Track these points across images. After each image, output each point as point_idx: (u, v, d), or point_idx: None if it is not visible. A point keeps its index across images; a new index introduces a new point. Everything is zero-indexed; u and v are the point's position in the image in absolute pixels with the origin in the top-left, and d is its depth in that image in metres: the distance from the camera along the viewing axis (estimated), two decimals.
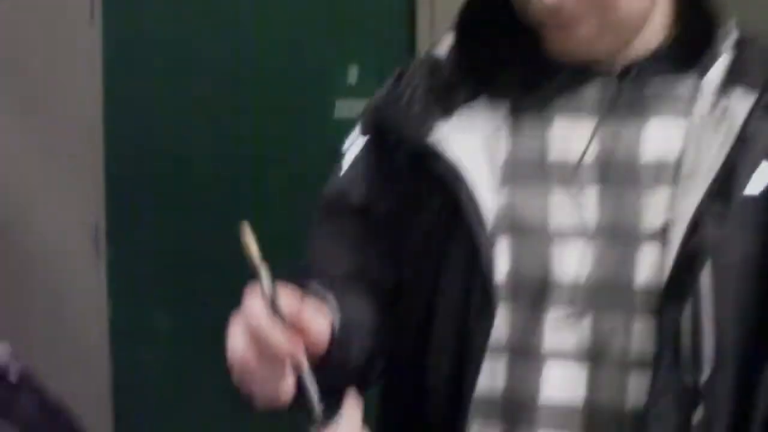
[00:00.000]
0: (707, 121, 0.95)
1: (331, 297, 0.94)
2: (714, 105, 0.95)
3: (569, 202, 0.97)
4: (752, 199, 0.93)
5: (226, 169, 2.82)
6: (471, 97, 1.01)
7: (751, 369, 0.94)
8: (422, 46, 2.81)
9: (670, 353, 0.93)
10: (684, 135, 0.95)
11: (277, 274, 0.84)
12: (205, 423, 2.84)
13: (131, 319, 2.99)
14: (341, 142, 1.11)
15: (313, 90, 2.95)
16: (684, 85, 0.98)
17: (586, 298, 0.96)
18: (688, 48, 0.98)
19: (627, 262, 0.95)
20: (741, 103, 0.94)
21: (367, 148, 1.07)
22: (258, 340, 0.81)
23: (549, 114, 1.00)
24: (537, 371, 0.97)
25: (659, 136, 0.96)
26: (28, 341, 1.65)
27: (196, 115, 2.83)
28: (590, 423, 0.97)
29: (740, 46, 0.99)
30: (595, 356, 0.96)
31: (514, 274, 0.98)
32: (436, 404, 1.01)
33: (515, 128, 1.00)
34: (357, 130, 1.10)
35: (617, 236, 0.96)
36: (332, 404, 0.89)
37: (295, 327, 0.83)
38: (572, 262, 0.97)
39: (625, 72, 0.98)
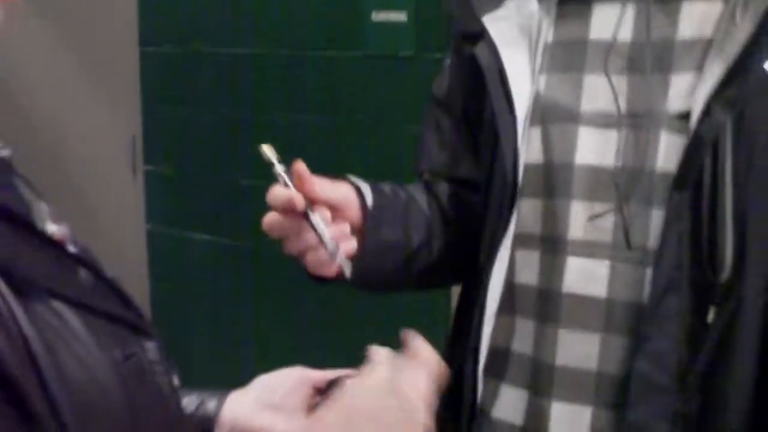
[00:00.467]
0: (739, 3, 0.94)
1: (364, 184, 1.07)
2: None
3: (602, 87, 0.99)
4: None
5: (268, 80, 2.76)
6: None
7: None
8: None
9: (674, 245, 0.92)
10: (718, 16, 0.96)
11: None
12: (242, 334, 2.88)
13: (168, 235, 3.01)
14: None
15: None
16: None
17: (609, 186, 0.97)
18: None
19: (650, 148, 0.96)
20: None
21: (451, 49, 1.16)
22: (270, 201, 0.97)
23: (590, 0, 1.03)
24: (562, 263, 1.00)
25: (695, 17, 0.97)
26: None
27: (236, 27, 2.79)
28: (609, 316, 0.98)
29: None
30: (614, 248, 0.97)
31: (546, 163, 1.01)
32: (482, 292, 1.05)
33: (559, 15, 1.04)
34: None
35: (641, 123, 0.97)
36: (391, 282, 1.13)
37: (307, 194, 0.96)
38: (597, 148, 0.99)
39: None
